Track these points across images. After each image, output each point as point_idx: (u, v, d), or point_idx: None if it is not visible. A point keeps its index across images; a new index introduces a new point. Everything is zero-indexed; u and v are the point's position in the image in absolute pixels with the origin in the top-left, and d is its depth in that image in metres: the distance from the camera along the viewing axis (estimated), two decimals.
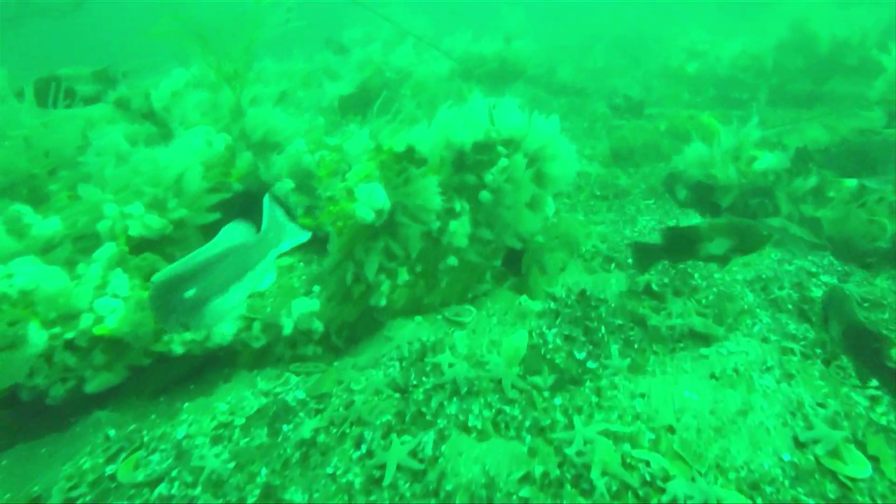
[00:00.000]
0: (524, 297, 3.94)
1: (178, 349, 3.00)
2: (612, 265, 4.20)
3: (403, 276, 3.46)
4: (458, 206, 3.54)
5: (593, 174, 6.11)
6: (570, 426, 2.67)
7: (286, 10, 6.15)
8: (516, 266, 4.20)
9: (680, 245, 3.27)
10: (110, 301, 2.73)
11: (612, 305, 3.59)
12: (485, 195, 3.57)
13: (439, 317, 3.74)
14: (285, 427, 2.86)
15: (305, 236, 3.72)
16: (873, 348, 3.01)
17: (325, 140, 4.25)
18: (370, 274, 3.12)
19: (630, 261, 4.06)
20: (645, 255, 3.45)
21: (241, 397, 3.09)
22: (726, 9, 15.49)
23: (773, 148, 4.87)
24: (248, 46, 3.92)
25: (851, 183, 4.33)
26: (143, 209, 3.22)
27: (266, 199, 3.71)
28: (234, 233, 3.38)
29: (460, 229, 3.55)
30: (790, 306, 3.51)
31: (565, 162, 3.80)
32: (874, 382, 2.85)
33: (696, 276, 3.90)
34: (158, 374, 3.13)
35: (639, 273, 3.83)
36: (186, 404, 3.04)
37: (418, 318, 3.65)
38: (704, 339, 3.30)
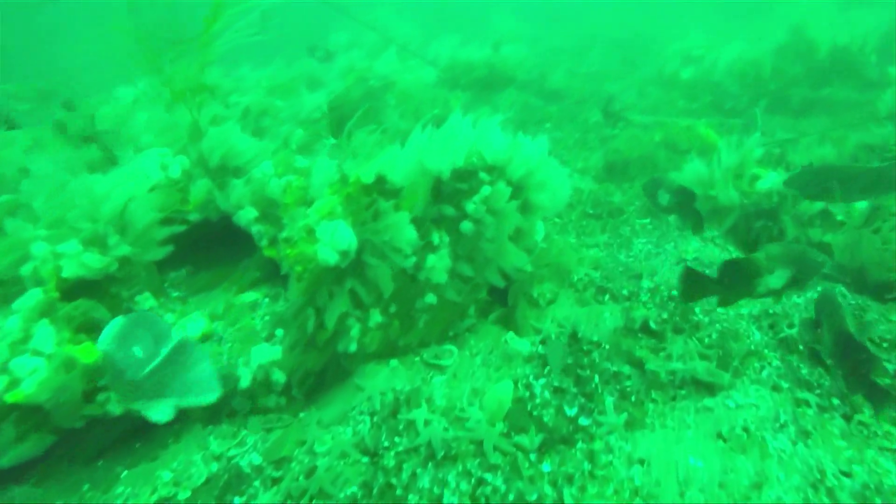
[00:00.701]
0: (511, 335, 3.61)
1: (116, 409, 2.64)
2: (606, 296, 3.87)
3: (376, 317, 3.11)
4: (436, 238, 3.20)
5: (586, 190, 5.78)
6: (560, 501, 2.34)
7: (261, 16, 5.82)
8: (503, 295, 3.86)
9: (736, 279, 2.98)
10: (30, 360, 2.37)
11: (606, 347, 3.26)
12: (466, 226, 3.23)
13: (417, 359, 3.40)
14: (237, 501, 2.51)
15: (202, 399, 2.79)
16: (861, 361, 2.75)
17: (294, 162, 3.89)
18: (330, 323, 2.77)
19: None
20: (696, 286, 3.04)
21: (190, 462, 2.74)
22: (722, 10, 15.24)
23: (777, 165, 4.56)
24: (205, 57, 3.56)
25: (862, 205, 4.02)
26: (79, 247, 2.86)
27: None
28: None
29: (439, 264, 3.21)
30: (801, 347, 3.19)
31: (555, 189, 3.47)
32: None
33: (698, 310, 3.58)
34: (96, 436, 2.77)
35: (686, 299, 3.35)
36: (125, 472, 2.68)
37: (393, 363, 3.31)
38: (709, 388, 2.97)
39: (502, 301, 3.84)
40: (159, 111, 3.74)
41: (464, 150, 3.13)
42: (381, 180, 2.89)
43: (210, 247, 4.05)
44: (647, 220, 5.08)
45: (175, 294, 3.68)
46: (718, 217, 4.54)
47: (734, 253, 4.25)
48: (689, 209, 4.83)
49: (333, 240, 2.60)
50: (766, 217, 4.20)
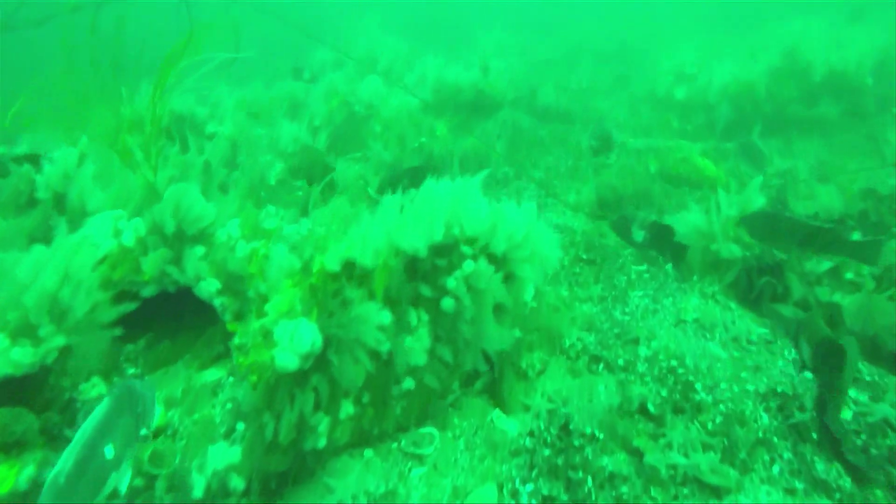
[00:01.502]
0: (497, 413, 3.32)
1: None
2: (600, 366, 3.58)
3: (347, 408, 2.81)
4: (413, 319, 2.90)
5: (579, 230, 5.50)
6: None
7: (235, 40, 5.49)
8: (489, 361, 3.57)
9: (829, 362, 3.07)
10: None
11: (601, 437, 2.97)
12: (447, 303, 2.92)
13: (394, 446, 3.09)
14: None
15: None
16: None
17: (261, 222, 3.57)
18: (284, 436, 2.45)
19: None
20: None
21: None
22: (709, 23, 15.05)
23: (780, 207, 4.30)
24: (160, 109, 3.23)
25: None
26: (6, 341, 2.53)
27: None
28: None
29: (417, 345, 2.91)
30: (815, 435, 2.92)
31: (544, 258, 3.18)
32: None
33: (699, 386, 3.30)
34: None
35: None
36: None
37: (368, 453, 2.99)
38: (714, 491, 2.69)
39: (489, 364, 3.55)
40: (111, 171, 3.41)
41: (441, 224, 2.83)
42: (349, 265, 2.58)
43: (173, 310, 3.72)
44: (644, 267, 4.80)
45: (131, 371, 3.35)
46: (719, 271, 4.27)
47: (736, 311, 3.98)
48: (665, 244, 4.63)
49: (294, 342, 2.29)
50: (769, 273, 3.93)
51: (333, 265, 2.52)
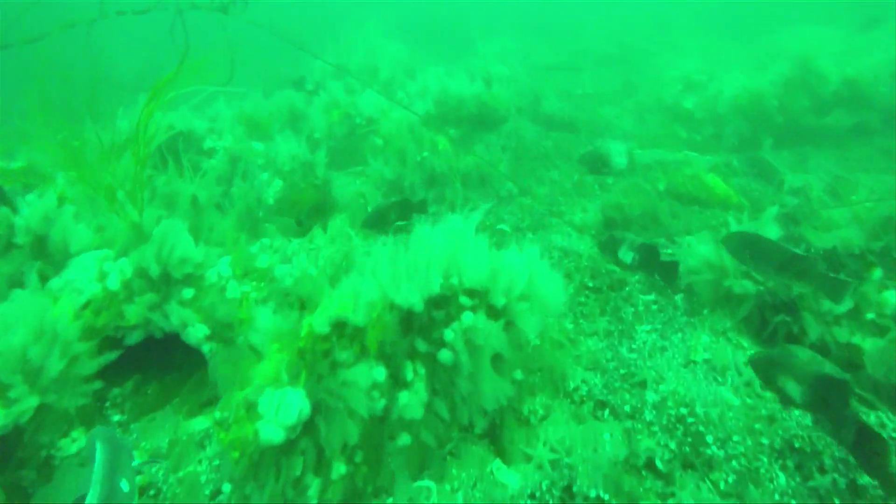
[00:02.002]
0: (497, 464, 3.17)
1: None
2: (606, 412, 3.42)
3: (339, 468, 2.66)
4: (409, 373, 2.74)
5: (585, 254, 5.33)
6: None
7: (230, 56, 5.36)
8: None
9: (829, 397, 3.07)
10: None
11: (606, 499, 2.81)
12: (445, 356, 2.77)
13: (390, 501, 2.95)
14: None
15: None
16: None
17: (253, 261, 3.43)
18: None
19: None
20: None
21: None
22: (714, 29, 14.76)
23: (797, 244, 4.11)
24: (143, 150, 3.09)
25: (891, 300, 3.58)
26: None
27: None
28: None
29: (413, 399, 2.76)
30: (837, 501, 2.75)
31: (547, 306, 3.02)
32: None
33: (710, 437, 3.14)
34: None
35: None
36: None
37: None
38: None
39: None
40: (96, 208, 3.27)
41: (439, 275, 2.67)
42: (340, 324, 2.43)
43: (162, 350, 3.59)
44: (652, 297, 4.63)
45: (116, 418, 3.22)
46: (731, 306, 4.09)
47: (748, 350, 3.81)
48: (656, 266, 4.49)
49: (280, 414, 2.15)
50: (784, 310, 3.75)
51: (322, 327, 2.37)
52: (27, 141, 3.59)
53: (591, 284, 4.86)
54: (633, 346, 4.02)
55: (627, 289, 4.78)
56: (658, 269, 4.57)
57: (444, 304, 2.75)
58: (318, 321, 2.37)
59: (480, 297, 2.79)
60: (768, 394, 3.35)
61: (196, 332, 2.98)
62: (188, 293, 3.10)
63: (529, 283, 2.96)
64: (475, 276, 2.77)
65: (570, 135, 9.59)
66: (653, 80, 11.74)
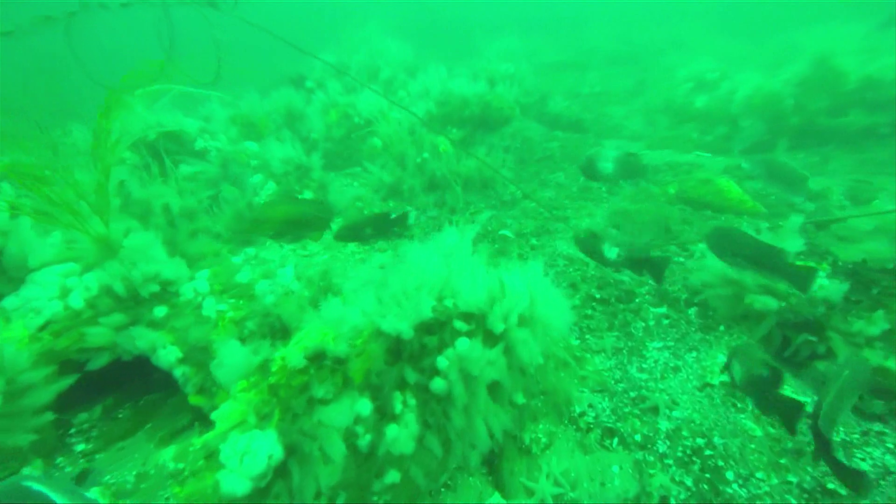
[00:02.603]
0: (496, 499, 2.90)
1: None
2: (615, 440, 3.14)
3: None
4: (398, 405, 2.48)
5: (591, 263, 5.04)
6: None
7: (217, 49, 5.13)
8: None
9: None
10: None
11: None
12: (438, 384, 2.50)
13: None
14: None
15: None
16: None
17: (234, 276, 3.17)
18: None
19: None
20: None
21: None
22: (728, 29, 14.38)
23: (820, 258, 3.82)
24: (109, 157, 2.83)
25: None
26: None
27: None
28: None
29: (402, 434, 2.49)
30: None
31: (552, 329, 2.74)
32: None
33: (730, 473, 2.85)
34: None
35: None
36: None
37: None
38: None
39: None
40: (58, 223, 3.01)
41: (431, 298, 2.40)
42: (318, 355, 2.16)
43: (137, 369, 3.34)
44: (663, 310, 4.34)
45: (80, 447, 2.97)
46: (749, 323, 3.80)
47: (767, 368, 3.51)
48: (641, 264, 4.10)
49: (245, 464, 1.88)
50: (808, 329, 3.46)
51: (297, 360, 2.11)
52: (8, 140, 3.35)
53: (598, 296, 4.58)
54: (644, 366, 3.74)
55: (637, 301, 4.50)
56: (646, 266, 4.13)
57: (436, 330, 2.48)
58: (293, 354, 2.11)
59: (477, 322, 2.52)
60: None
61: (167, 356, 2.73)
62: (160, 312, 2.84)
63: (531, 306, 2.68)
64: (471, 298, 2.50)
65: (576, 135, 9.30)
66: (662, 79, 11.41)
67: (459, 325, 2.48)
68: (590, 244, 4.40)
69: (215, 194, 5.57)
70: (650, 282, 4.73)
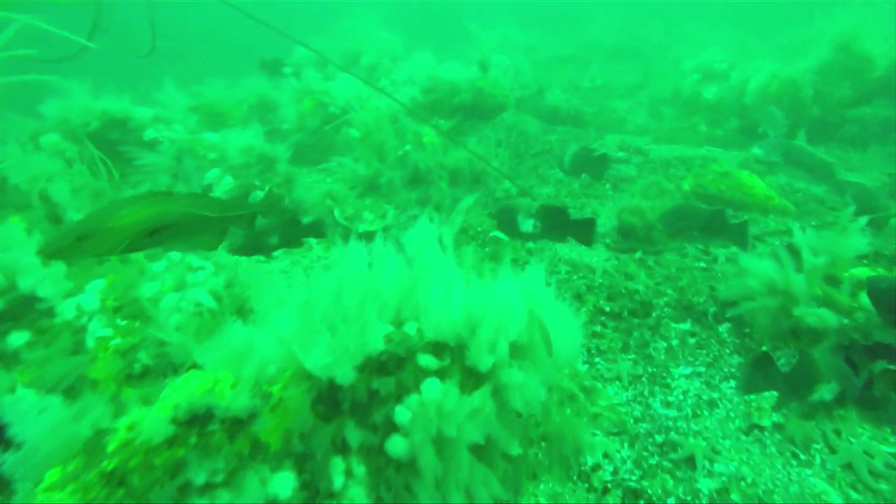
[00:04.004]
0: None
1: None
2: None
3: None
4: (338, 476, 1.70)
5: (598, 269, 4.28)
6: None
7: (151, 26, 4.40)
8: None
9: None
10: None
11: None
12: (397, 445, 1.73)
13: None
14: None
15: None
16: None
17: (136, 289, 2.38)
18: None
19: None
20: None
21: None
22: (736, 21, 13.70)
23: (892, 263, 3.08)
24: None
25: None
26: None
27: None
28: None
29: None
30: None
31: (556, 358, 1.98)
32: None
33: None
34: None
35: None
36: None
37: None
38: None
39: None
40: None
41: (384, 321, 1.63)
42: (201, 416, 1.39)
43: None
44: (687, 325, 3.59)
45: None
46: (799, 343, 3.05)
47: (837, 412, 2.76)
48: (567, 228, 3.63)
49: None
50: (886, 355, 2.70)
51: (158, 428, 1.34)
52: None
53: (607, 309, 3.82)
54: (670, 399, 2.98)
55: (655, 314, 3.74)
56: (570, 231, 3.64)
57: (392, 368, 1.70)
58: (153, 418, 1.34)
59: (453, 356, 1.75)
60: (885, 484, 2.30)
61: (18, 403, 1.94)
62: (18, 339, 2.06)
63: (529, 329, 1.91)
64: (444, 320, 1.73)
65: (577, 129, 8.57)
66: (667, 71, 10.71)
67: (427, 360, 1.72)
68: (505, 218, 3.78)
69: (168, 189, 4.79)
70: (669, 291, 3.98)
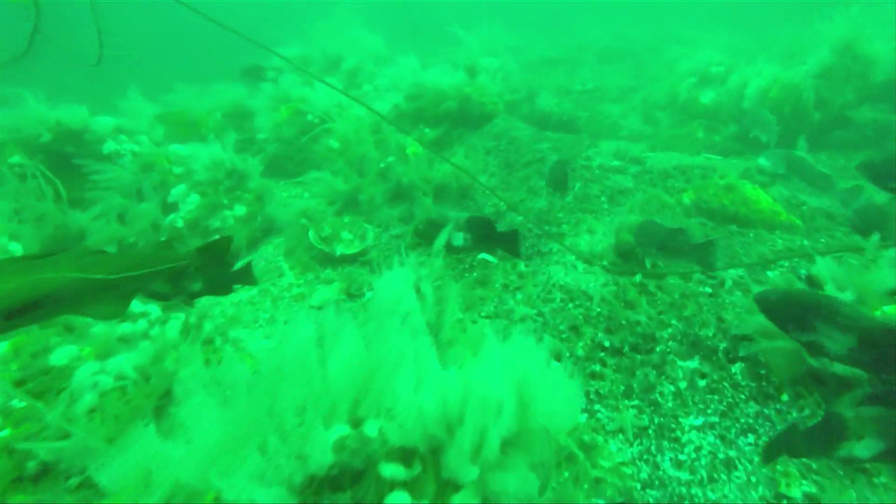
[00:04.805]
0: None
1: None
2: None
3: None
4: None
5: (596, 296, 3.93)
6: None
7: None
8: None
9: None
10: None
11: None
12: None
13: None
14: None
15: None
16: None
17: (48, 355, 1.98)
18: None
19: None
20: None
21: None
22: (730, 24, 13.41)
23: None
24: None
25: None
26: None
27: None
28: None
29: None
30: None
31: (551, 441, 1.62)
32: None
33: None
34: None
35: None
36: None
37: None
38: None
39: None
40: None
41: (340, 423, 1.25)
42: None
43: None
44: (695, 363, 3.24)
45: None
46: (825, 390, 2.70)
47: (878, 478, 2.42)
48: (495, 241, 3.75)
49: None
50: None
51: None
52: None
53: (607, 343, 3.47)
54: (682, 457, 2.63)
55: (659, 349, 3.40)
56: (499, 243, 3.83)
57: (348, 482, 1.33)
58: None
59: (424, 463, 1.37)
60: None
61: None
62: None
63: (521, 413, 1.55)
64: (413, 417, 1.35)
65: (570, 136, 8.22)
66: (661, 74, 10.40)
67: (392, 470, 1.34)
68: (431, 234, 3.68)
69: (122, 215, 4.40)
70: (674, 321, 3.64)
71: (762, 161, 6.24)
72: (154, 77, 6.65)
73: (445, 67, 6.82)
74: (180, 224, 4.57)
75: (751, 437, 2.68)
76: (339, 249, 4.47)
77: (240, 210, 4.81)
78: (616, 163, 6.99)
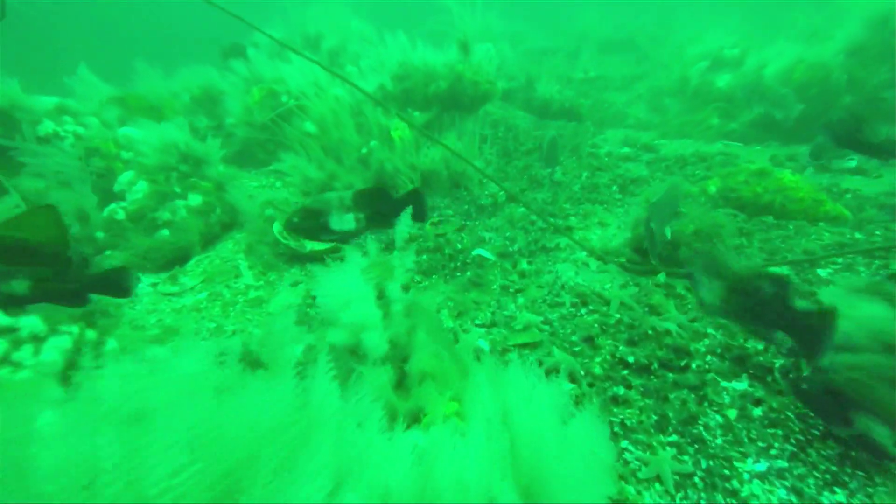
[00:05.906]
0: None
1: None
2: None
3: None
4: None
5: (613, 300, 3.25)
6: None
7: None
8: None
9: None
10: None
11: None
12: None
13: None
14: None
15: None
16: None
17: None
18: None
19: None
20: None
21: None
22: (740, 10, 12.71)
23: None
24: None
25: None
26: None
27: None
28: None
29: None
30: None
31: None
32: None
33: None
34: None
35: None
36: None
37: None
38: None
39: None
40: None
41: None
42: None
43: None
44: (745, 384, 2.57)
45: None
46: None
47: None
48: (390, 211, 2.83)
49: None
50: None
51: None
52: None
53: (630, 359, 2.78)
54: None
55: (695, 365, 2.72)
56: (400, 213, 2.75)
57: None
58: None
59: None
60: None
61: None
62: None
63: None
64: None
65: (572, 123, 7.55)
66: (668, 60, 9.75)
67: None
68: (311, 224, 2.93)
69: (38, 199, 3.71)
70: (710, 330, 2.96)
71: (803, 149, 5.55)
72: (125, 61, 5.95)
73: (435, 48, 6.12)
74: (121, 216, 3.87)
75: (839, 492, 1.99)
76: (309, 245, 3.79)
77: (194, 200, 4.12)
78: (626, 150, 6.33)
